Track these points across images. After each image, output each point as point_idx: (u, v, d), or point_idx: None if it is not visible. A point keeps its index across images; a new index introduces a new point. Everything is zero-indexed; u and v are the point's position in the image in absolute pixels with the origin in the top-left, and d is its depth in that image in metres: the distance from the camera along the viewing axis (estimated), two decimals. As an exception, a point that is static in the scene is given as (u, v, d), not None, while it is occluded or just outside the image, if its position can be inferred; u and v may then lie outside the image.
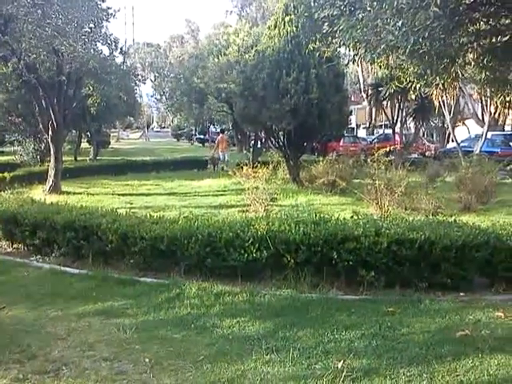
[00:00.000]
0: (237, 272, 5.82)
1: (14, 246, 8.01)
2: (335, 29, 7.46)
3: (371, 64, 8.85)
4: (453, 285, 5.42)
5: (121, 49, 17.79)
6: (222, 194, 14.19)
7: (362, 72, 35.98)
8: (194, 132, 54.92)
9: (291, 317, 4.83)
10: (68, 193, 14.59)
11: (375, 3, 6.43)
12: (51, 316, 5.10)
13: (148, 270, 6.35)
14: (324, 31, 7.75)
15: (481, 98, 23.54)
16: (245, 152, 29.71)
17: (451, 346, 4.12)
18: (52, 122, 14.54)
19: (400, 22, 5.69)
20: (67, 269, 6.68)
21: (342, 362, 3.86)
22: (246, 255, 5.71)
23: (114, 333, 4.58)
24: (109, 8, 14.01)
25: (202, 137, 51.04)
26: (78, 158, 26.83)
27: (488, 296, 5.37)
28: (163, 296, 5.47)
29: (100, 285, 6.00)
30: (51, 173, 14.85)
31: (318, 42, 8.38)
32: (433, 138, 34.84)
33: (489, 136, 22.02)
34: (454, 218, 6.69)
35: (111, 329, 4.66)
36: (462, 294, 5.38)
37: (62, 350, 4.24)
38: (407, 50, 6.06)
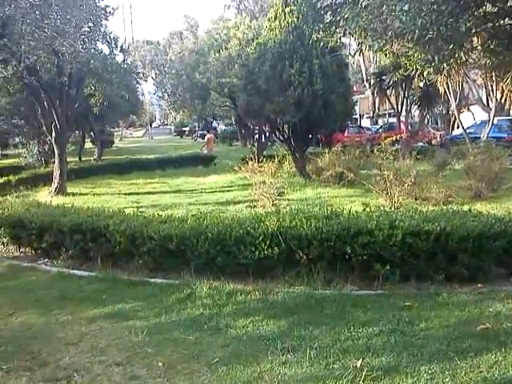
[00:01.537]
0: (248, 270, 5.70)
1: (22, 249, 7.94)
2: (339, 18, 7.32)
3: (376, 52, 8.68)
4: (470, 276, 5.28)
5: (121, 47, 17.62)
6: (228, 190, 14.09)
7: (364, 61, 35.58)
8: (197, 128, 54.77)
9: (306, 315, 4.71)
10: (74, 194, 14.54)
11: (380, -11, 6.29)
12: (61, 321, 5.02)
13: (158, 271, 6.24)
14: (327, 21, 7.60)
15: (485, 84, 23.28)
16: (249, 146, 29.58)
17: (472, 340, 3.99)
18: (55, 124, 14.48)
19: (407, 6, 5.53)
20: (76, 272, 6.61)
21: (360, 360, 3.76)
22: (257, 252, 5.59)
23: (125, 336, 4.49)
24: (107, 6, 13.92)
25: (205, 133, 50.92)
26: (83, 159, 26.83)
27: (507, 287, 5.23)
28: (174, 297, 5.38)
29: (110, 287, 5.91)
30: (56, 174, 14.79)
31: (321, 32, 8.23)
32: (438, 125, 34.53)
33: (495, 121, 21.79)
34: (468, 207, 6.54)
35: (123, 332, 4.58)
36: (479, 285, 5.24)
37: (73, 356, 4.16)
38: (415, 36, 5.91)
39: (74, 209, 7.72)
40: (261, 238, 5.60)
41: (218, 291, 5.39)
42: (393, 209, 8.87)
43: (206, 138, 27.58)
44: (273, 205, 10.52)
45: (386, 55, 9.27)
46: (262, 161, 12.00)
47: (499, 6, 7.47)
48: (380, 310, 4.73)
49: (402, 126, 22.85)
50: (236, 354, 4.01)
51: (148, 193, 14.61)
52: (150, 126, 69.65)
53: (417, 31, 5.79)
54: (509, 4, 7.65)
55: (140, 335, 4.45)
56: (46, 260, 7.25)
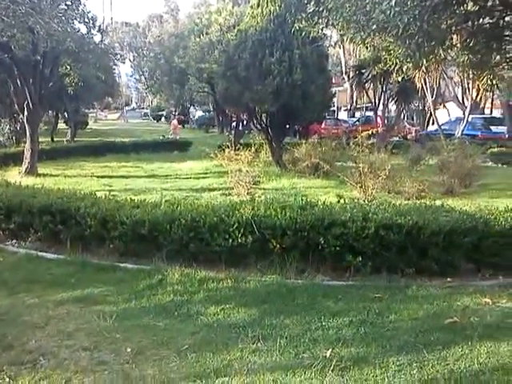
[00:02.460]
0: (221, 257, 5.67)
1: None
2: (322, 8, 7.28)
3: (358, 45, 8.67)
4: (440, 270, 5.36)
5: (99, 27, 17.13)
6: (203, 177, 14.00)
7: (344, 54, 35.66)
8: (174, 113, 54.27)
9: (277, 304, 4.72)
10: (45, 175, 14.22)
11: (364, -20, 6.27)
12: (28, 303, 4.91)
13: (129, 256, 6.14)
14: (310, 10, 7.55)
15: (462, 81, 23.63)
16: (226, 134, 29.44)
17: (440, 333, 4.06)
18: (28, 102, 14.10)
19: (393, 1, 5.52)
20: (44, 254, 6.45)
21: (330, 350, 3.78)
22: (230, 240, 5.56)
23: (93, 321, 4.42)
24: (85, -17, 13.51)
25: (182, 118, 50.48)
26: (55, 139, 26.27)
27: (475, 282, 5.34)
28: (145, 282, 5.31)
29: (79, 271, 5.80)
30: (27, 154, 14.44)
31: (303, 22, 8.18)
32: (413, 120, 34.94)
33: (469, 119, 22.17)
34: (440, 202, 6.63)
35: (91, 317, 4.50)
36: (449, 279, 5.33)
37: (40, 340, 4.08)
38: (399, 31, 5.91)
39: (43, 189, 7.53)
40: (235, 226, 5.57)
41: (190, 278, 5.34)
42: (366, 201, 8.94)
43: (171, 124, 29.87)
44: (248, 193, 10.50)
45: (367, 48, 9.30)
46: (238, 149, 11.93)
47: (480, 5, 7.55)
48: (351, 301, 4.77)
49: (379, 120, 23.03)
50: (206, 342, 3.99)
51: (121, 176, 14.39)
52: (127, 107, 68.65)
53: (401, 26, 5.79)
54: (489, 3, 7.74)
55: (109, 320, 4.38)
56: (14, 241, 7.05)
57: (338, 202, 6.30)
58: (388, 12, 5.68)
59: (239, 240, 5.53)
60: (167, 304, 4.77)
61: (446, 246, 5.30)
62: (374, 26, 6.24)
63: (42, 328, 4.30)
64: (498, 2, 7.48)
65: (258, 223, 5.56)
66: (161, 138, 26.89)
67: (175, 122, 30.28)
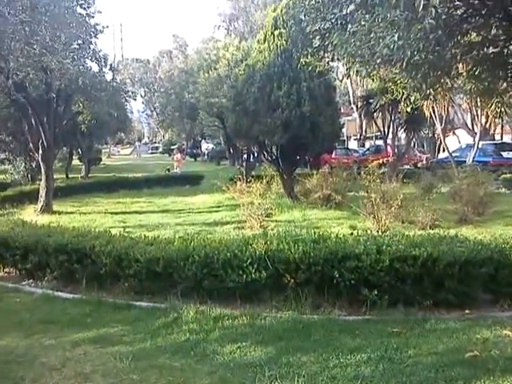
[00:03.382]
0: (235, 294, 5.66)
1: (6, 270, 7.78)
2: (327, 43, 7.42)
3: (363, 78, 8.79)
4: (457, 302, 5.30)
5: (110, 65, 17.61)
6: (216, 211, 14.05)
7: (352, 84, 36.06)
8: (185, 147, 54.94)
9: (294, 340, 4.67)
10: (60, 212, 14.37)
11: (368, 16, 6.39)
12: (45, 345, 4.90)
13: (144, 294, 6.15)
14: (316, 45, 7.69)
15: (470, 108, 23.69)
16: (238, 166, 29.63)
17: (461, 368, 3.97)
18: (42, 141, 14.38)
19: (396, 36, 5.62)
20: (60, 293, 6.48)
21: (349, 388, 3.72)
22: (244, 276, 5.55)
23: (110, 362, 4.39)
24: (97, 24, 13.95)
25: (193, 151, 51.09)
26: (70, 176, 26.63)
27: (494, 313, 5.25)
28: (160, 321, 5.29)
29: (95, 310, 5.81)
30: (42, 192, 14.63)
31: (309, 56, 8.33)
32: (424, 148, 34.94)
33: (480, 145, 22.13)
34: (455, 232, 6.59)
35: (107, 358, 4.47)
36: (467, 311, 5.26)
37: (57, 382, 4.06)
38: (403, 63, 6.00)
39: (59, 228, 7.62)
40: (248, 262, 5.57)
41: (205, 316, 5.31)
42: (380, 232, 8.92)
43: (174, 158, 30.08)
44: (260, 226, 10.51)
45: (373, 80, 9.40)
46: (250, 181, 12.02)
47: (483, 35, 7.65)
48: (368, 336, 4.71)
49: (389, 148, 23.08)
50: (223, 382, 3.94)
51: (135, 212, 14.51)
52: (139, 142, 69.68)
53: (406, 59, 5.88)
54: (492, 33, 7.84)
55: (125, 361, 4.36)
56: (31, 281, 7.12)
57: (351, 234, 6.29)
58: (391, 46, 5.76)
59: (253, 275, 5.52)
60: (183, 343, 4.74)
61: (462, 276, 5.25)
62: (379, 60, 6.33)
63: (59, 370, 4.28)
64: (501, 32, 7.57)
65: (271, 258, 5.56)
66: (165, 171, 27.22)
67: (178, 156, 30.11)
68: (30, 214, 13.30)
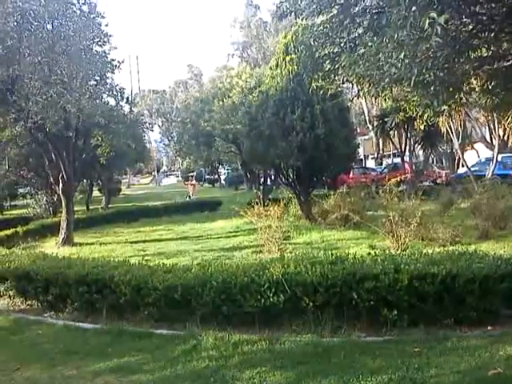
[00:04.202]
0: (254, 318, 5.65)
1: (28, 302, 7.88)
2: (337, 66, 7.51)
3: (376, 98, 8.84)
4: (479, 319, 5.21)
5: (127, 99, 18.01)
6: (234, 236, 14.07)
7: (367, 104, 36.21)
8: (203, 173, 55.48)
9: (314, 364, 4.63)
10: (81, 244, 14.56)
11: (375, 38, 6.47)
12: (66, 375, 4.96)
13: (163, 321, 6.17)
14: (326, 69, 7.79)
15: (488, 122, 23.52)
16: (255, 191, 29.72)
17: (484, 386, 3.90)
18: (62, 175, 14.67)
19: (402, 54, 5.67)
20: (81, 324, 6.55)
21: (370, 411, 3.67)
22: (262, 300, 5.55)
23: (131, 391, 4.41)
24: (113, 60, 14.27)
25: (211, 177, 51.48)
26: (90, 207, 26.98)
27: (517, 329, 5.14)
28: (180, 348, 5.30)
29: (115, 339, 5.85)
30: (63, 225, 14.86)
31: (320, 80, 8.43)
32: (442, 164, 34.65)
33: (499, 158, 21.88)
34: (473, 247, 6.50)
35: (128, 387, 4.50)
36: (489, 327, 5.16)
37: (78, 413, 4.09)
38: (412, 82, 6.03)
39: (79, 260, 7.72)
40: (266, 286, 5.57)
41: (224, 342, 5.31)
42: (399, 250, 8.83)
43: (189, 185, 31.42)
44: (279, 249, 10.48)
45: (385, 100, 9.45)
46: (267, 205, 12.03)
47: (493, 50, 7.66)
48: (389, 357, 4.64)
49: (407, 166, 22.97)
50: (242, 408, 3.93)
51: (154, 240, 14.61)
52: (157, 172, 70.55)
53: (413, 77, 5.91)
54: (503, 47, 7.84)
55: (146, 390, 4.38)
56: (52, 313, 7.20)
57: (369, 254, 6.25)
58: (399, 65, 5.82)
59: (271, 299, 5.52)
60: (202, 370, 4.74)
61: (483, 293, 5.16)
62: (387, 79, 6.39)
63: (80, 400, 4.32)
64: (510, 46, 7.57)
65: (288, 281, 5.55)
66: (179, 199, 27.16)
67: (192, 183, 31.64)
68: (52, 247, 13.51)
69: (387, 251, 6.70)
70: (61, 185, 14.84)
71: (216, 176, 50.53)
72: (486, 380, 4.02)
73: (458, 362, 4.44)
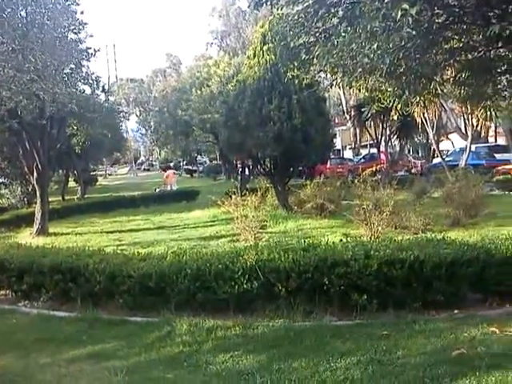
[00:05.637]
0: (228, 305, 5.73)
1: (2, 292, 7.81)
2: (312, 56, 7.58)
3: (348, 87, 8.94)
4: (446, 302, 5.38)
5: (103, 87, 17.79)
6: (211, 225, 14.12)
7: (344, 94, 36.40)
8: (181, 163, 55.29)
9: (285, 347, 4.73)
10: (56, 234, 14.43)
11: (349, 28, 6.55)
12: (41, 363, 4.95)
13: (138, 309, 6.19)
14: (302, 58, 7.85)
15: (462, 112, 23.92)
16: (232, 180, 29.78)
17: (448, 366, 4.05)
18: (36, 164, 14.49)
19: (375, 45, 5.77)
20: (56, 313, 6.53)
21: (338, 391, 3.79)
22: (236, 287, 5.63)
23: (105, 377, 4.44)
24: (88, 48, 14.09)
25: (190, 168, 51.31)
26: (66, 197, 26.66)
27: (482, 311, 5.34)
28: (154, 335, 5.35)
29: (90, 327, 5.86)
30: (38, 215, 14.71)
31: (296, 70, 8.49)
32: (418, 154, 35.16)
33: (473, 148, 22.29)
34: (442, 234, 6.68)
35: (102, 373, 4.52)
36: (456, 311, 5.34)
37: (53, 399, 4.12)
38: (384, 72, 6.14)
39: (53, 249, 7.69)
40: (240, 273, 5.66)
41: (198, 328, 5.38)
42: (373, 238, 9.00)
43: (165, 175, 29.90)
44: (255, 238, 10.58)
45: (359, 90, 9.55)
46: (245, 194, 12.12)
47: (464, 42, 7.81)
48: (358, 340, 4.78)
49: (382, 156, 23.26)
50: (215, 390, 4.01)
51: (131, 230, 14.57)
52: (135, 162, 69.95)
53: (385, 68, 6.02)
54: (474, 38, 8.00)
55: (119, 375, 4.40)
56: (27, 302, 7.15)
57: (341, 241, 6.38)
58: (371, 55, 5.91)
59: (245, 286, 5.61)
60: (176, 355, 4.80)
61: (450, 277, 5.34)
62: (360, 69, 6.49)
63: (55, 387, 4.35)
64: (481, 38, 7.72)
65: (262, 268, 5.65)
66: (155, 190, 26.84)
67: (168, 173, 30.14)
68: (26, 237, 13.36)
69: (360, 239, 6.85)
70: (35, 175, 14.66)
71: (194, 166, 50.40)
72: (451, 360, 4.17)
73: (424, 343, 4.60)
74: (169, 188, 27.15)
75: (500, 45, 6.99)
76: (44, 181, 15.17)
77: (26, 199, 21.73)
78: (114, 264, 6.38)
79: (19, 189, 22.18)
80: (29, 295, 7.15)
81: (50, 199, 17.14)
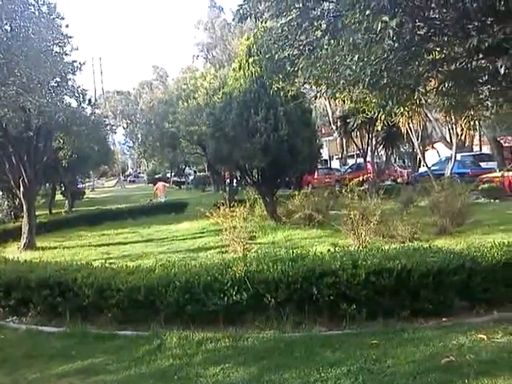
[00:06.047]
0: (218, 316, 5.73)
1: (-11, 308, 7.74)
2: (296, 68, 7.68)
3: (332, 99, 9.04)
4: (434, 310, 5.44)
5: (89, 100, 17.78)
6: (200, 237, 14.10)
7: (330, 105, 36.64)
8: (169, 175, 55.18)
9: (276, 359, 4.75)
10: (43, 248, 14.30)
11: (332, 41, 6.66)
12: (29, 379, 4.92)
13: (127, 323, 6.17)
14: (286, 71, 7.95)
15: (447, 122, 24.22)
16: (221, 192, 29.79)
17: (437, 374, 4.10)
18: (23, 178, 14.38)
19: (356, 57, 5.87)
20: (44, 328, 6.48)
21: (329, 401, 3.81)
22: (225, 298, 5.64)
23: (94, 392, 4.43)
24: (74, 61, 14.10)
25: (178, 179, 51.25)
26: (53, 211, 26.43)
27: (470, 319, 5.40)
28: (144, 348, 5.34)
29: (79, 342, 5.82)
30: (25, 229, 14.58)
31: (281, 82, 8.58)
32: (404, 163, 35.48)
33: (458, 157, 22.55)
34: (429, 243, 6.76)
35: (92, 388, 4.52)
36: (444, 319, 5.40)
37: (41, 415, 4.08)
38: (366, 83, 6.24)
39: (41, 263, 7.64)
40: (229, 284, 5.67)
41: (188, 340, 5.38)
42: (361, 248, 9.06)
43: (155, 188, 30.80)
44: (244, 249, 10.59)
45: (344, 101, 9.66)
46: (233, 205, 12.13)
47: (445, 53, 7.96)
48: (348, 350, 4.81)
49: (369, 166, 23.47)
50: (205, 403, 4.01)
51: (119, 243, 14.49)
52: (123, 175, 69.65)
53: (367, 79, 6.12)
54: (455, 50, 8.16)
55: (109, 390, 4.40)
56: (15, 317, 7.08)
57: (329, 251, 6.43)
58: (353, 67, 6.01)
59: (234, 297, 5.62)
60: (166, 368, 4.79)
61: (437, 286, 5.40)
62: (342, 81, 6.59)
63: (44, 403, 4.31)
64: (462, 50, 7.87)
65: (251, 279, 5.66)
66: (147, 201, 27.32)
67: (158, 185, 30.60)
68: (14, 252, 13.23)
69: (348, 248, 6.90)
70: (22, 188, 14.54)
71: (182, 178, 50.33)
72: (439, 368, 4.23)
73: (413, 352, 4.64)
74: (160, 200, 27.53)
75: (481, 56, 7.12)
76: (31, 194, 15.06)
77: (12, 213, 21.52)
78: (102, 278, 6.35)
79: (6, 203, 21.99)
80: (17, 310, 7.08)
81: (37, 213, 17.00)
